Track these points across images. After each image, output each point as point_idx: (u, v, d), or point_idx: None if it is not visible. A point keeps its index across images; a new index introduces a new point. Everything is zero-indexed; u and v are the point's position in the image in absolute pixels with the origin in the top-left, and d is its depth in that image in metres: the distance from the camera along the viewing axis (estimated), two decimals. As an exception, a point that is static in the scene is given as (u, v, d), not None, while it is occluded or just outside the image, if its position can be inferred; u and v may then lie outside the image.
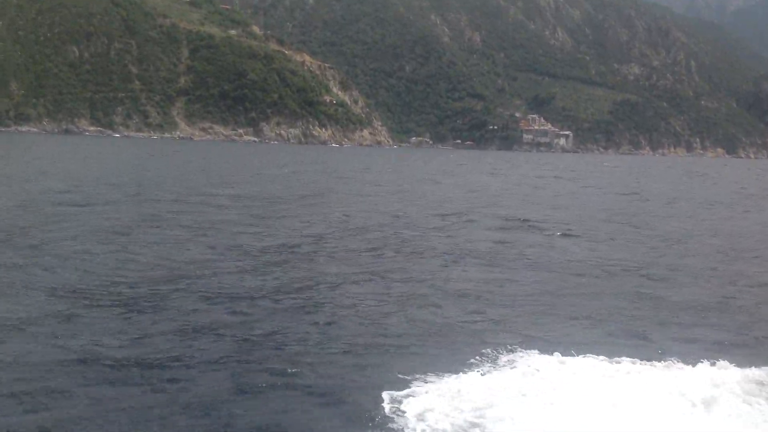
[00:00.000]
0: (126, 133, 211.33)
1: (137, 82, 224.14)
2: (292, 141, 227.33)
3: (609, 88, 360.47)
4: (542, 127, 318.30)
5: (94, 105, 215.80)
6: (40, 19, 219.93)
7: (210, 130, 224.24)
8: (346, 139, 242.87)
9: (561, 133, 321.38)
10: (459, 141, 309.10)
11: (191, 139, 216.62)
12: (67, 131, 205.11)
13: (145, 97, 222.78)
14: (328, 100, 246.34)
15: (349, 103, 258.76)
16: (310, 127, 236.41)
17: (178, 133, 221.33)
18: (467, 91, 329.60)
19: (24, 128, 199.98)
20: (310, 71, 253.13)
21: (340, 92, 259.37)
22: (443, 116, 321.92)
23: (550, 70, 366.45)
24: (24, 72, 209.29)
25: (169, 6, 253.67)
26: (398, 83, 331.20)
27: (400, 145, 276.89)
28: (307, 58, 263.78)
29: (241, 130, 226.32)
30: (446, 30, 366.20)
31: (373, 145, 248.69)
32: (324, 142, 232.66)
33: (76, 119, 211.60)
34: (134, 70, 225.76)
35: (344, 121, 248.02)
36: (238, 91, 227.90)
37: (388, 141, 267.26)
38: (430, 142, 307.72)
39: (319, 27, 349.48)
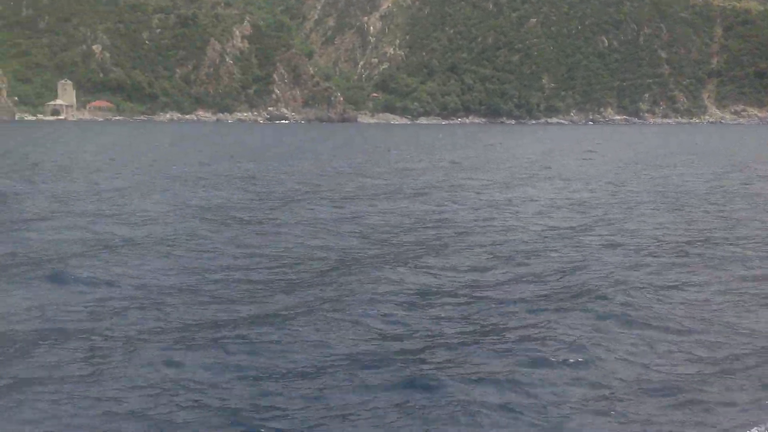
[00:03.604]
0: (651, 120, 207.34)
1: (666, 67, 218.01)
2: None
3: None
4: None
5: (621, 93, 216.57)
6: (572, 12, 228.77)
7: (743, 113, 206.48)
8: None
9: None
10: None
11: (721, 122, 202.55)
12: (592, 121, 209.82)
13: (673, 82, 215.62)
14: None
15: None
16: None
17: (707, 117, 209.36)
18: None
19: (553, 119, 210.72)
20: None
21: None
22: None
23: None
24: (555, 66, 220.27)
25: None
26: None
27: None
28: None
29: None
30: None
31: None
32: None
33: (602, 109, 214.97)
34: (663, 54, 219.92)
35: None
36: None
37: None
38: None
39: None
